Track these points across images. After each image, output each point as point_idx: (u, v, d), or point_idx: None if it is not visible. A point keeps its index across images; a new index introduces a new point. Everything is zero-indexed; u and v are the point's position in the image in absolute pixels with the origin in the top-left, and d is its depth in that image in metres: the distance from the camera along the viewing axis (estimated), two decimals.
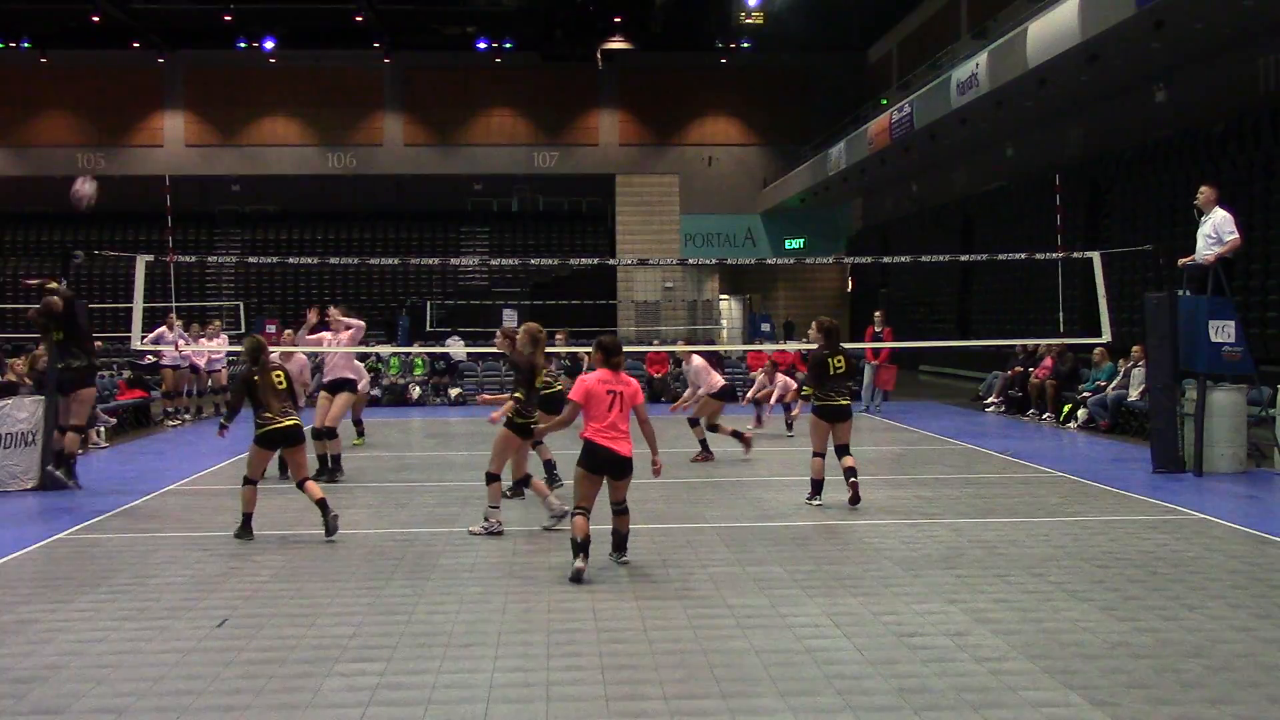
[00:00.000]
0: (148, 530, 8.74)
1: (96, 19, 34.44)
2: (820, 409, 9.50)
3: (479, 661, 5.31)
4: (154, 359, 17.91)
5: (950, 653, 5.39)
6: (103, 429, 14.56)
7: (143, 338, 14.91)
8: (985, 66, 20.11)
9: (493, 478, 8.30)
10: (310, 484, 8.36)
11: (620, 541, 7.32)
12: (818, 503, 9.50)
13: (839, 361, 9.52)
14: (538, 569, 7.23)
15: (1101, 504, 9.52)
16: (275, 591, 6.69)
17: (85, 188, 10.90)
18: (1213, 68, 18.08)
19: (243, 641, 5.65)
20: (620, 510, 7.26)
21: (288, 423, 8.17)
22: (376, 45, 37.18)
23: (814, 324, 9.99)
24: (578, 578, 6.77)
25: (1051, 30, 17.49)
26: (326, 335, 11.80)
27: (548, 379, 9.77)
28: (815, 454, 9.56)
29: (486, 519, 8.34)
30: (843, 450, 9.48)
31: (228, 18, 34.68)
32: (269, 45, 36.45)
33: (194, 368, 17.74)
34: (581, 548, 6.87)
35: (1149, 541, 7.91)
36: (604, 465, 7.06)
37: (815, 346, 9.81)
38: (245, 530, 8.24)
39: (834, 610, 6.15)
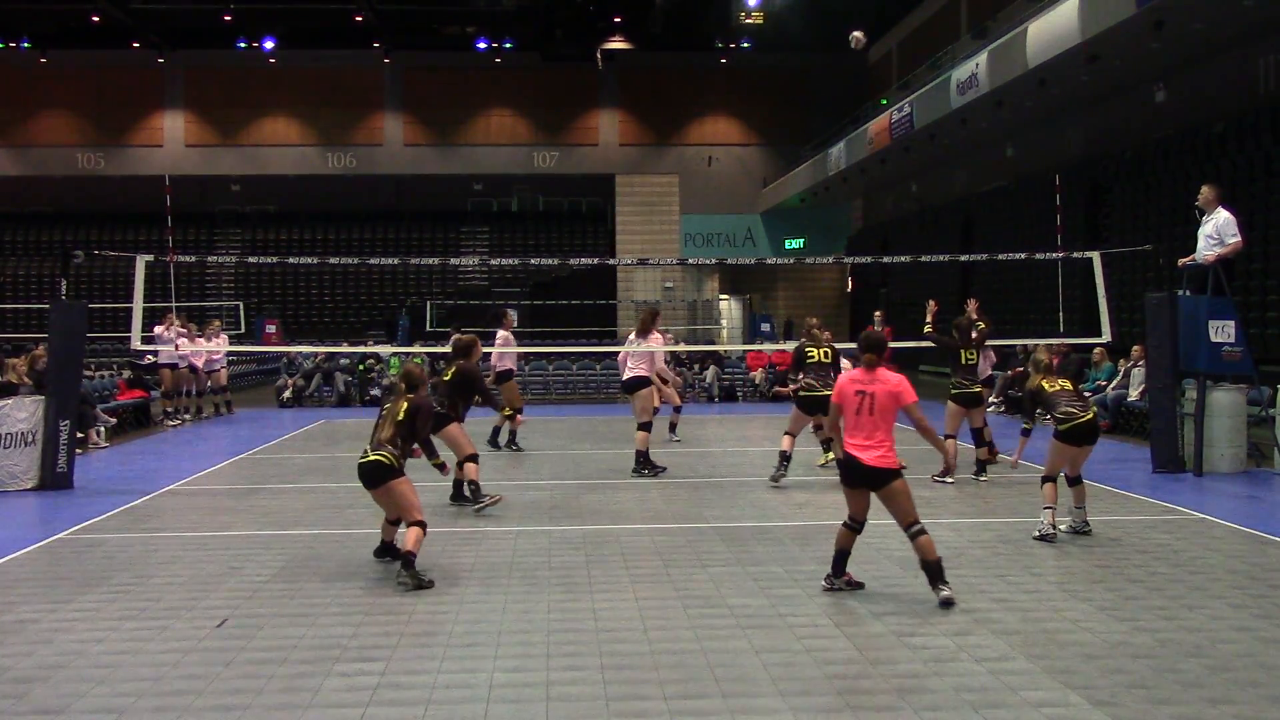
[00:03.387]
0: (148, 530, 8.74)
1: (96, 19, 34.46)
2: (801, 400, 10.59)
3: (479, 661, 5.31)
4: (153, 359, 17.90)
5: (950, 653, 5.38)
6: (103, 429, 14.55)
7: (143, 338, 14.90)
8: (985, 66, 20.11)
9: (1047, 479, 8.01)
10: (387, 527, 7.39)
11: (932, 572, 6.22)
12: (782, 474, 10.43)
13: (823, 354, 10.67)
14: (538, 569, 7.23)
15: (1101, 504, 9.51)
16: (275, 591, 6.68)
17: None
18: (1213, 68, 18.08)
19: (243, 641, 5.64)
20: (915, 533, 6.26)
21: (361, 459, 7.07)
22: (376, 45, 37.20)
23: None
24: (828, 587, 6.52)
25: (1051, 30, 17.48)
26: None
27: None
28: (787, 433, 10.67)
29: (1043, 521, 7.97)
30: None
31: (228, 18, 34.69)
32: (269, 45, 36.47)
33: (193, 368, 17.72)
34: (835, 561, 6.55)
35: (1149, 541, 7.90)
36: (856, 478, 6.38)
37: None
38: (383, 550, 7.39)
39: (834, 610, 6.15)
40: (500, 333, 14.13)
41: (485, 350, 10.94)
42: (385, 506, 7.22)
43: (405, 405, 7.16)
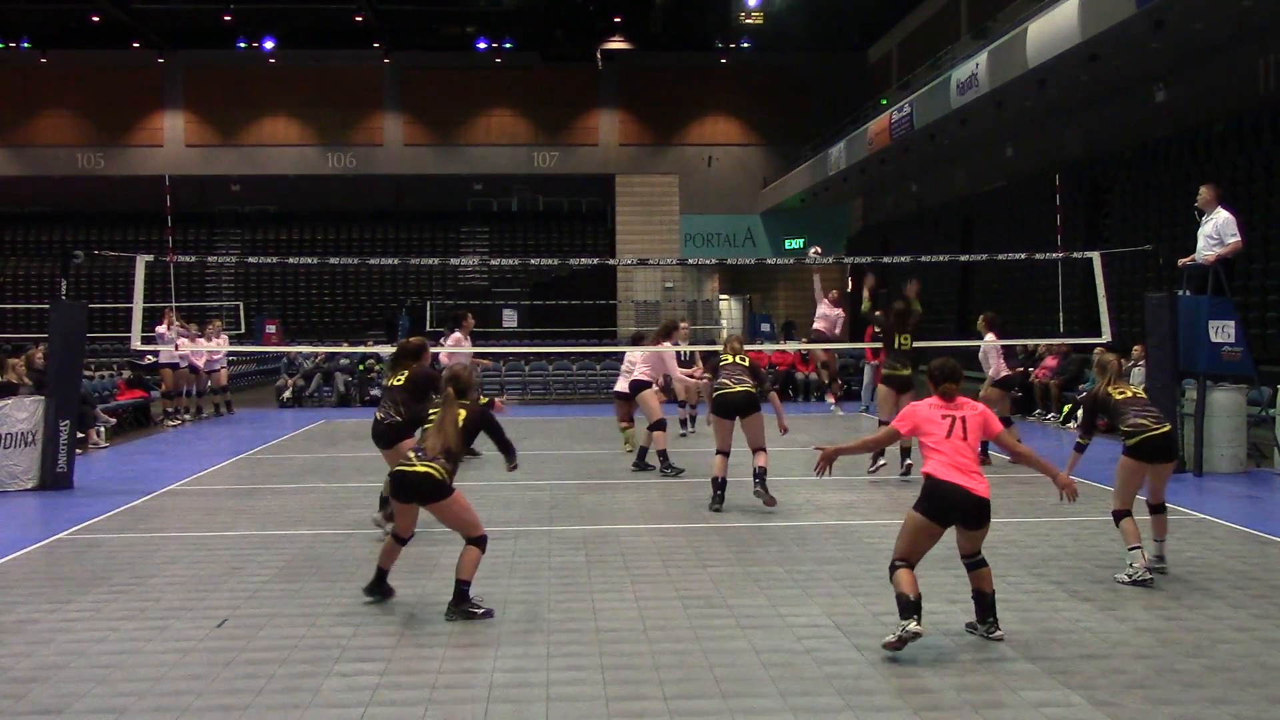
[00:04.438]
0: (148, 530, 8.74)
1: (96, 19, 34.45)
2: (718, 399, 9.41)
3: (479, 661, 5.31)
4: (153, 359, 17.91)
5: (950, 653, 5.38)
6: (103, 429, 14.55)
7: (142, 338, 14.90)
8: (985, 66, 20.11)
9: (1122, 514, 6.82)
10: (389, 550, 6.42)
11: (987, 606, 5.64)
12: (717, 509, 9.23)
13: (738, 359, 9.43)
14: (538, 569, 7.23)
15: (1101, 504, 9.47)
16: (275, 591, 6.69)
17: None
18: (1213, 68, 18.08)
19: (243, 641, 5.65)
20: (978, 563, 5.67)
21: (406, 468, 6.17)
22: (376, 45, 37.19)
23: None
24: (902, 642, 5.28)
25: (1051, 30, 17.48)
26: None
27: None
28: (719, 451, 9.38)
29: (1132, 564, 6.73)
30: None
31: (228, 18, 34.69)
32: (269, 45, 36.47)
33: (194, 368, 17.74)
34: (913, 607, 5.29)
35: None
36: (952, 509, 5.47)
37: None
38: (375, 586, 6.42)
39: (834, 610, 6.15)
40: (454, 335, 13.33)
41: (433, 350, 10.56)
42: (402, 513, 6.27)
43: (461, 414, 6.26)
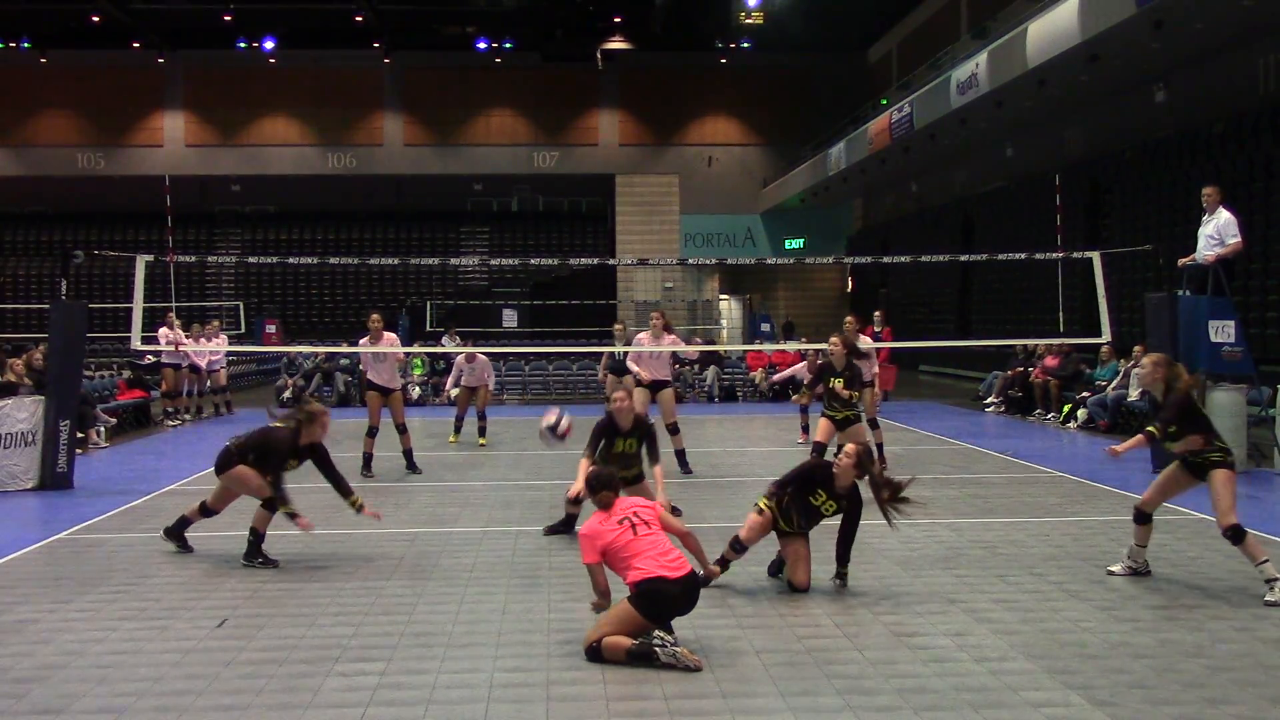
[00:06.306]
0: (148, 530, 8.73)
1: (96, 19, 34.47)
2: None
3: (479, 661, 5.31)
4: (154, 359, 17.92)
5: (950, 653, 5.38)
6: (103, 429, 14.55)
7: (143, 338, 14.89)
8: (985, 66, 20.12)
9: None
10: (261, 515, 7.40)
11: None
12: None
13: (628, 445, 8.21)
14: (538, 569, 7.23)
15: (1101, 504, 9.52)
16: (275, 591, 6.69)
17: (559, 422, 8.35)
18: (1213, 68, 18.09)
19: (243, 641, 5.64)
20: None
21: None
22: (376, 45, 37.20)
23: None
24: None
25: (1051, 30, 17.49)
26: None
27: None
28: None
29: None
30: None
31: (228, 18, 34.70)
32: (269, 45, 36.49)
33: (194, 368, 17.75)
34: (646, 649, 5.23)
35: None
36: (669, 604, 5.34)
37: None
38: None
39: (834, 610, 6.15)
40: (362, 340, 12.40)
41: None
42: None
43: None
